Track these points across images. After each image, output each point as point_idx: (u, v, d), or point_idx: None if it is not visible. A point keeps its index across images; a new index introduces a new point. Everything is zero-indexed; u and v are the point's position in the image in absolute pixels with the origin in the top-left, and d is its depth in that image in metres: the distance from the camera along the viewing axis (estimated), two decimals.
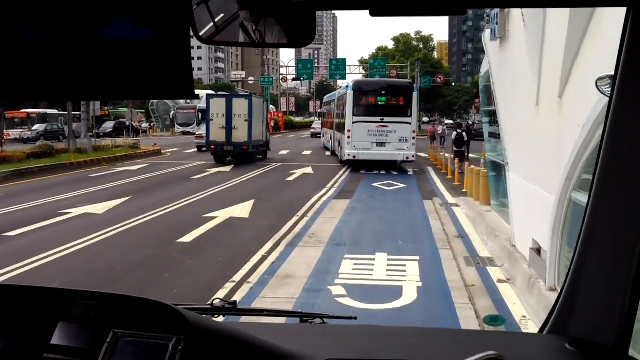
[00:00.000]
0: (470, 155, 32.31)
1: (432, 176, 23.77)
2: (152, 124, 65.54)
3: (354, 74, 69.16)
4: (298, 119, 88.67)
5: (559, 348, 1.83)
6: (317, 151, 37.08)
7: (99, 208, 14.68)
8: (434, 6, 1.23)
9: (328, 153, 34.89)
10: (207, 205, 15.38)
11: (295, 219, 13.59)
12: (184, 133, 64.23)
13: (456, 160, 25.42)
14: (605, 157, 1.75)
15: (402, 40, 74.56)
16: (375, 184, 20.38)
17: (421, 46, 75.12)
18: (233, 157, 27.53)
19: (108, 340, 1.48)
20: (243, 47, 1.31)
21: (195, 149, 34.81)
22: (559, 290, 1.98)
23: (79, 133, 31.94)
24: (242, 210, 14.57)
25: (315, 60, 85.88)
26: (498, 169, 13.52)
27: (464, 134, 29.08)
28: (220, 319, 2.18)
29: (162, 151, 34.37)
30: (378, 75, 62.79)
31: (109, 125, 32.85)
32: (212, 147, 27.20)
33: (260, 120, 28.86)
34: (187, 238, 11.35)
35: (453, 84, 78.38)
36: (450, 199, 17.07)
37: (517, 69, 10.03)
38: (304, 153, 35.47)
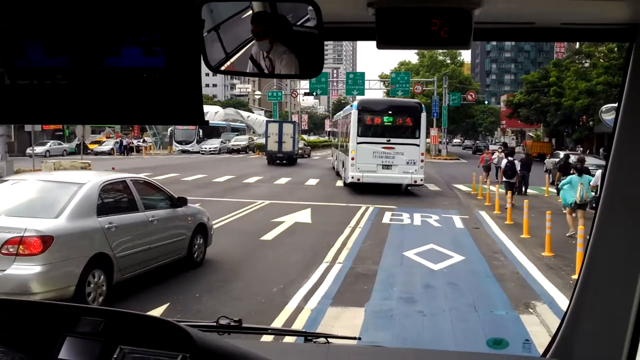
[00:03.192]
0: (529, 190, 23.80)
1: (494, 230, 14.89)
2: (143, 141, 57.24)
3: (374, 90, 60.60)
4: (312, 138, 79.99)
5: None
6: (325, 180, 28.27)
7: None
8: (439, 40, 1.25)
9: (339, 183, 26.20)
10: None
11: None
12: (183, 152, 56.22)
13: (508, 194, 18.20)
14: (608, 186, 1.76)
15: (427, 55, 65.81)
16: (410, 254, 11.51)
17: (448, 61, 66.30)
18: (281, 161, 38.58)
19: (115, 356, 1.49)
20: (252, 77, 2.19)
21: (173, 174, 26.53)
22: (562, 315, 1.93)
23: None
24: None
25: (335, 81, 77.57)
26: None
27: (516, 162, 21.32)
28: (225, 336, 2.14)
29: None
30: (400, 91, 54.11)
31: None
32: (270, 155, 39.41)
33: (296, 137, 41.00)
34: None
35: (486, 102, 69.30)
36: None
37: None
38: (307, 183, 26.68)
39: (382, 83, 60.22)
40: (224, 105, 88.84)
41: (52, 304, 1.74)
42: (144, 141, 57.28)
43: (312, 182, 27.19)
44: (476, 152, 68.66)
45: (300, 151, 45.12)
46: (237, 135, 61.59)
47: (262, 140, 56.29)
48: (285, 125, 40.46)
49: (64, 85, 1.15)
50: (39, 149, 38.28)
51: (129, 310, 1.63)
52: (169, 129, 58.58)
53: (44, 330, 1.61)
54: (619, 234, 1.74)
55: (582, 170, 14.12)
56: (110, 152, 48.67)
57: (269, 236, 13.07)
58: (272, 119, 52.01)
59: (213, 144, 55.63)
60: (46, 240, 6.72)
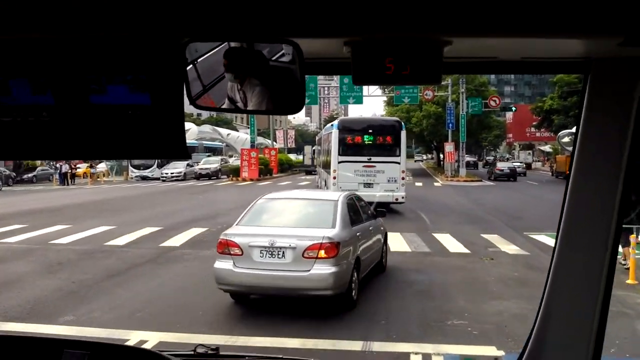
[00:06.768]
0: None
1: None
2: (90, 167, 44.92)
3: (374, 97, 48.74)
4: (301, 158, 67.96)
5: None
6: None
7: None
8: (412, 77, 1.32)
9: None
10: None
11: None
12: (143, 178, 44.06)
13: None
14: (569, 207, 1.82)
15: None
16: None
17: None
18: None
19: None
20: (234, 112, 1.27)
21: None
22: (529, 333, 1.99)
23: None
24: None
25: (326, 100, 65.69)
26: None
27: None
28: None
29: None
30: (407, 98, 42.54)
31: None
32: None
33: None
34: None
35: (513, 108, 57.17)
36: None
37: None
38: None
39: (383, 89, 48.20)
40: (204, 122, 76.94)
41: (35, 338, 1.68)
42: (91, 166, 45.00)
43: None
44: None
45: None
46: (208, 156, 49.45)
47: (239, 162, 44.83)
48: None
49: (48, 122, 1.15)
50: None
51: (111, 342, 1.85)
52: None
53: None
54: (581, 253, 1.80)
55: None
56: None
57: None
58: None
59: (177, 167, 43.31)
60: (337, 245, 8.02)
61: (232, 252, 8.11)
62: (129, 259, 12.12)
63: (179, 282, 10.32)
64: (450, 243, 14.44)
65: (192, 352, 2.12)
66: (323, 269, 7.81)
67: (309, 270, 7.82)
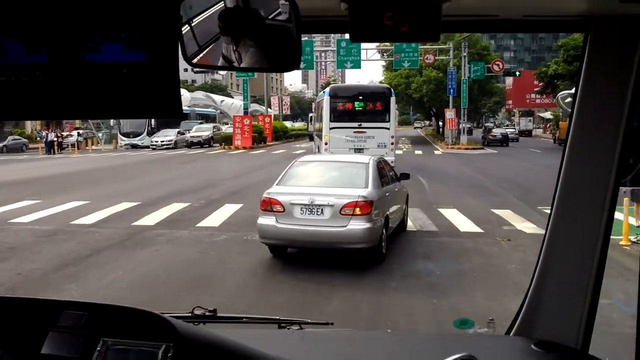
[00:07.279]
0: None
1: None
2: (79, 135, 43.06)
3: (373, 61, 46.75)
4: (297, 125, 65.96)
5: (525, 349, 1.87)
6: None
7: None
8: (410, 34, 1.29)
9: None
10: None
11: None
12: (133, 146, 42.33)
13: None
14: (567, 167, 1.78)
15: None
16: None
17: None
18: None
19: (98, 348, 1.43)
20: (229, 70, 1.25)
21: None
22: (525, 293, 1.94)
23: None
24: None
25: (323, 66, 63.39)
26: None
27: None
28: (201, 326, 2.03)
29: None
30: (407, 62, 40.37)
31: None
32: None
33: None
34: None
35: (517, 73, 54.85)
36: None
37: None
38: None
39: (382, 54, 46.07)
40: (198, 89, 74.85)
41: (33, 300, 1.62)
42: (79, 135, 43.15)
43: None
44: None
45: None
46: (200, 124, 47.55)
47: (231, 130, 42.98)
48: None
49: (42, 81, 1.12)
50: None
51: (110, 303, 1.51)
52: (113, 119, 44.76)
53: (25, 326, 1.54)
54: (577, 214, 1.74)
55: None
56: None
57: None
58: None
59: (167, 135, 41.56)
60: (371, 204, 8.60)
61: (274, 210, 8.70)
62: (93, 242, 10.49)
63: (143, 273, 8.68)
64: (459, 220, 12.83)
65: (190, 314, 2.14)
66: (358, 225, 8.45)
67: (345, 226, 8.46)
